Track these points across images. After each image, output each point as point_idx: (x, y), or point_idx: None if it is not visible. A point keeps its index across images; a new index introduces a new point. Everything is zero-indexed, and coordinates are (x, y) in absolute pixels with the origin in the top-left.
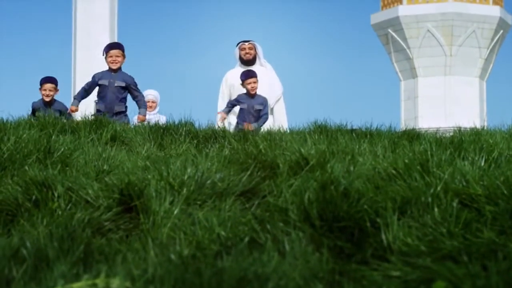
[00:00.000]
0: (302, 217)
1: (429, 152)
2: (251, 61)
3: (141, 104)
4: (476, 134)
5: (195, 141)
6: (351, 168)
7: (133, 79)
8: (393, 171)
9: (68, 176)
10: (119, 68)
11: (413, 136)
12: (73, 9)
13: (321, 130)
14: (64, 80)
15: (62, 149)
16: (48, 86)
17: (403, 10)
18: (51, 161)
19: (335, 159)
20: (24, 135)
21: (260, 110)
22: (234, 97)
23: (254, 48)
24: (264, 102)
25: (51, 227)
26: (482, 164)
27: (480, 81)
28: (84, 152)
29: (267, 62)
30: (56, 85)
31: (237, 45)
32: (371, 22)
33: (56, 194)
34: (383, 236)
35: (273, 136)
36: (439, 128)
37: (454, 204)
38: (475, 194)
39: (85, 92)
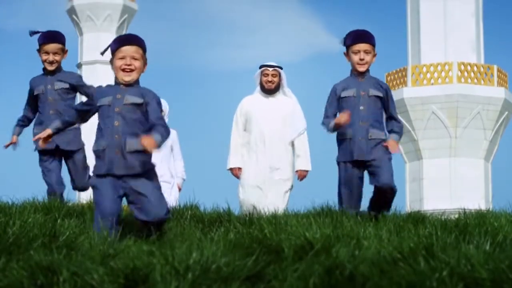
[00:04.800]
0: None
1: (434, 236)
2: (273, 90)
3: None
4: (481, 217)
5: (200, 225)
6: (356, 252)
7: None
8: (398, 255)
9: (73, 261)
10: (136, 81)
11: (418, 219)
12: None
13: (326, 213)
14: None
15: (67, 233)
16: (52, 47)
17: (408, 92)
18: (56, 245)
19: (340, 243)
20: (30, 219)
21: (380, 97)
22: (250, 125)
23: (278, 75)
24: (384, 87)
25: None
26: (487, 247)
27: (485, 163)
28: (89, 236)
29: (291, 92)
30: (64, 44)
31: (259, 68)
32: None
33: (61, 279)
34: None
35: (278, 220)
36: (445, 210)
37: None
38: (480, 278)
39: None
